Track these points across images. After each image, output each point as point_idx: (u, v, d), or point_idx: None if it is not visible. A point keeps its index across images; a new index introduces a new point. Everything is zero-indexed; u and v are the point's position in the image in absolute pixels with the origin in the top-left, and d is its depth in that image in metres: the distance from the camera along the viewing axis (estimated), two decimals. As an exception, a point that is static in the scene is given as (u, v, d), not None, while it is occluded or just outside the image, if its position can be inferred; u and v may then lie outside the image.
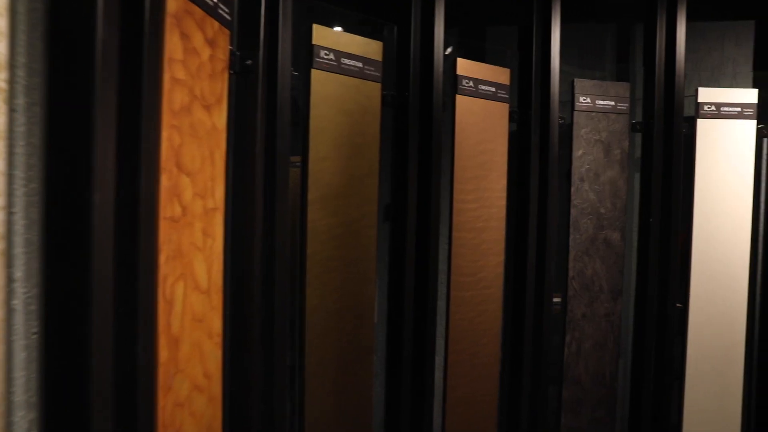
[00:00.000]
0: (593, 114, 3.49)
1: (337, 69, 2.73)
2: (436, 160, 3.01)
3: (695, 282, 3.64)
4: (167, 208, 1.80)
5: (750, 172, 3.73)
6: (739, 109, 3.72)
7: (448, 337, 3.12)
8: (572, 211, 3.45)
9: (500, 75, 3.27)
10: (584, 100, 3.47)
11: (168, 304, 1.81)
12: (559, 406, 3.47)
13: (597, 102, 3.49)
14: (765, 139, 3.83)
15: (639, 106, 3.68)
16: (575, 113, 3.46)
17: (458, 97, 3.10)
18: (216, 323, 2.26)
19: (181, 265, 1.93)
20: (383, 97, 2.91)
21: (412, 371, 2.97)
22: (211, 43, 2.12)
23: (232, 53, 2.29)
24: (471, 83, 3.14)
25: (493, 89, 3.23)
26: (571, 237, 3.45)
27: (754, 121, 3.74)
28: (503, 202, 3.29)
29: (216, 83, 2.25)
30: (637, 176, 3.69)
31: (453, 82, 3.10)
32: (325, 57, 2.69)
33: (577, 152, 3.46)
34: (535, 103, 3.32)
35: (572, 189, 3.45)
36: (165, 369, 1.80)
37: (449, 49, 3.72)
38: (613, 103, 3.53)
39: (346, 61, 2.77)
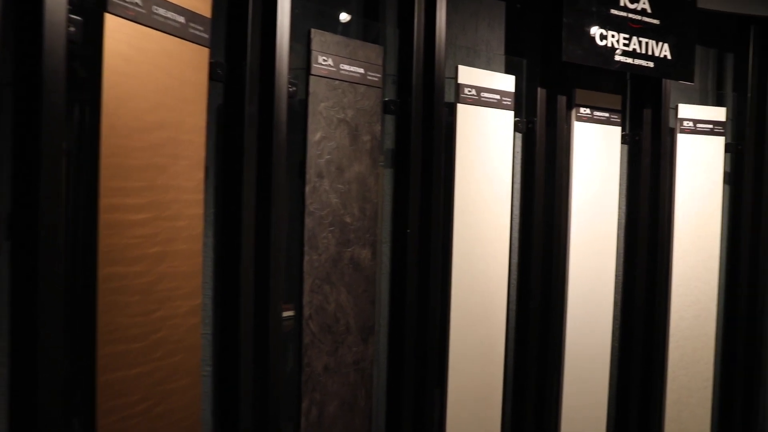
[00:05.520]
0: (337, 83, 1.92)
1: None
2: (51, 133, 1.20)
3: (456, 295, 2.29)
4: None
5: (509, 169, 2.48)
6: (498, 96, 2.43)
7: (95, 458, 1.32)
8: (308, 220, 1.85)
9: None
10: (325, 61, 1.88)
11: None
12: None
13: (342, 66, 1.93)
14: (519, 134, 2.59)
15: (389, 81, 2.20)
16: (312, 79, 1.86)
17: (109, 18, 1.31)
18: None
19: None
20: None
21: None
22: None
23: None
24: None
25: (182, 20, 1.49)
26: (307, 259, 1.85)
27: (512, 112, 2.48)
28: (200, 210, 1.57)
29: None
30: (388, 172, 2.21)
31: (99, -9, 1.30)
32: None
33: (314, 136, 1.87)
34: (252, 56, 1.65)
35: (307, 189, 1.85)
36: None
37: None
38: (362, 70, 1.99)
39: None
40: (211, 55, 1.61)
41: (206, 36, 1.58)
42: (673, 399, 3.00)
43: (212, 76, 1.62)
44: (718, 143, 3.06)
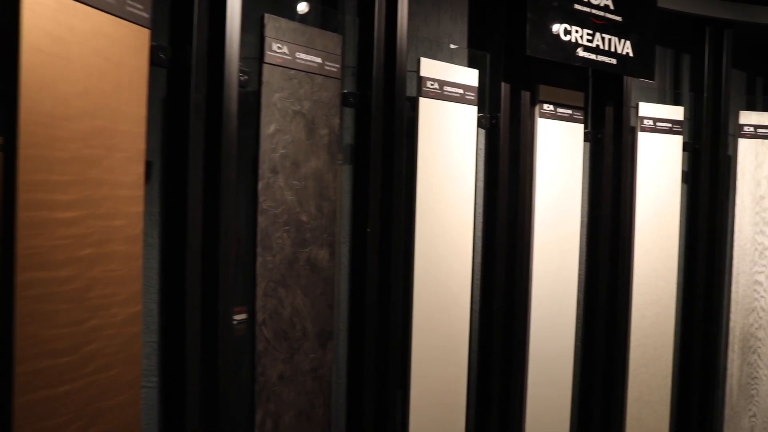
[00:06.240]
0: (293, 72, 1.78)
1: None
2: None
3: (418, 296, 2.17)
4: None
5: (473, 166, 2.38)
6: (461, 91, 2.33)
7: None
8: (260, 219, 1.71)
9: (131, -26, 1.38)
10: (279, 48, 1.74)
11: None
12: None
13: (298, 55, 1.79)
14: (483, 130, 2.50)
15: (348, 73, 2.07)
16: (266, 67, 1.71)
17: (29, -9, 1.14)
18: None
19: None
20: None
21: None
22: None
23: None
24: (64, -28, 1.20)
25: (117, -3, 1.33)
26: (260, 260, 1.71)
27: (476, 108, 2.38)
28: (139, 207, 1.41)
29: None
30: (347, 168, 2.07)
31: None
32: None
33: (268, 128, 1.72)
34: (198, 40, 1.49)
35: (260, 185, 1.71)
36: None
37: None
38: (320, 60, 1.86)
39: None
40: (153, 38, 1.45)
41: (146, 15, 1.41)
42: (634, 397, 2.97)
43: (154, 61, 1.46)
44: (676, 142, 3.04)
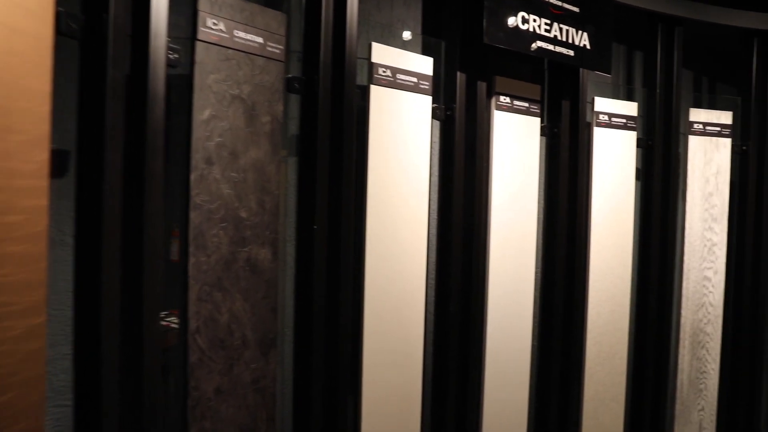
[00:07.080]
0: (230, 52, 1.58)
1: None
2: None
3: (369, 297, 2.01)
4: None
5: (427, 160, 2.23)
6: (415, 79, 2.17)
7: None
8: (193, 215, 1.50)
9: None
10: (215, 25, 1.54)
11: None
12: None
13: (236, 33, 1.59)
14: (437, 121, 2.35)
15: (293, 58, 1.88)
16: (199, 45, 1.51)
17: None
18: None
19: None
20: None
21: None
22: None
23: None
24: None
25: (10, -49, 1.10)
26: (193, 261, 1.50)
27: (430, 98, 2.24)
28: (43, 201, 1.18)
29: None
30: (293, 160, 1.89)
31: None
32: None
33: (202, 114, 1.52)
34: (116, 6, 1.28)
35: (193, 177, 1.50)
36: None
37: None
38: (261, 39, 1.66)
39: None
40: (60, 2, 1.23)
41: (49, -23, 1.19)
42: (590, 395, 2.90)
43: (61, 30, 1.24)
44: (630, 138, 2.98)
